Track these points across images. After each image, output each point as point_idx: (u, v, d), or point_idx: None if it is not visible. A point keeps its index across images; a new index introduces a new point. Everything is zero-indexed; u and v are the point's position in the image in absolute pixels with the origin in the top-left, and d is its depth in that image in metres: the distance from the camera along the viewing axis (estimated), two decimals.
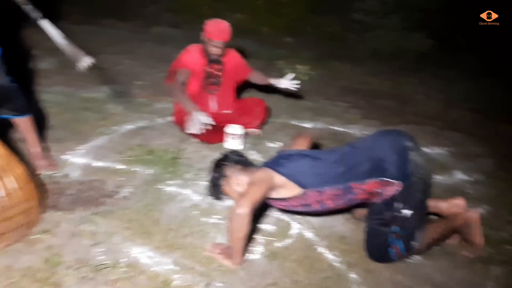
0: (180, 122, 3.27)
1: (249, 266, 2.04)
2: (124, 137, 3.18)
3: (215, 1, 7.56)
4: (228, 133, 3.16)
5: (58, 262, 1.92)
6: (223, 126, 3.23)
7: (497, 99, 5.21)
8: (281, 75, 3.61)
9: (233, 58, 3.44)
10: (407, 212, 1.99)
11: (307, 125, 3.81)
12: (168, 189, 2.60)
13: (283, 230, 2.32)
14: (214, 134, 3.17)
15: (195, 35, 6.56)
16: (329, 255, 2.16)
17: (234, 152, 2.34)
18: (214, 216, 2.38)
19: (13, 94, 2.44)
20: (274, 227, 2.35)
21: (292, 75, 3.49)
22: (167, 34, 6.54)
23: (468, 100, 5.05)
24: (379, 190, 1.99)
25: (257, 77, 3.56)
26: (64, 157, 2.81)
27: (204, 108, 3.25)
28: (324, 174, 2.05)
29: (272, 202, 2.19)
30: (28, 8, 2.15)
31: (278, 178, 2.07)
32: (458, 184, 3.04)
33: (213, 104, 3.41)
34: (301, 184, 2.05)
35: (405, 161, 1.99)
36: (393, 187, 1.97)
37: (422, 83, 5.51)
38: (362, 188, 2.00)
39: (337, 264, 2.10)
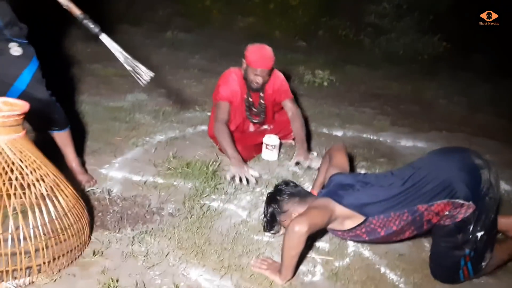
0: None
1: (314, 287, 1.97)
2: (158, 148, 3.10)
3: (226, 5, 7.49)
4: (265, 144, 3.08)
5: (116, 286, 1.84)
6: (260, 143, 3.13)
7: None
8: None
9: (275, 80, 3.10)
10: (479, 234, 1.92)
11: (338, 133, 3.75)
12: (213, 204, 2.53)
13: (339, 248, 2.25)
14: (249, 152, 3.09)
15: (207, 40, 6.60)
16: (392, 275, 2.09)
17: (287, 183, 2.26)
18: (266, 234, 2.30)
19: (53, 108, 2.37)
20: (328, 245, 2.28)
21: (314, 154, 3.14)
22: (180, 38, 6.47)
23: (490, 103, 5.00)
24: (449, 213, 1.90)
25: (294, 121, 3.09)
26: (101, 170, 2.73)
27: (244, 129, 3.19)
28: (388, 199, 1.97)
29: (336, 233, 2.13)
30: (89, 23, 2.07)
31: (340, 209, 2.00)
32: (503, 195, 2.97)
33: (252, 128, 3.31)
34: (365, 214, 1.98)
35: (477, 181, 1.90)
36: (465, 209, 1.88)
37: (441, 87, 5.46)
38: (430, 210, 1.91)
39: (402, 286, 2.03)
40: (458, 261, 1.97)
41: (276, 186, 2.26)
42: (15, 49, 2.11)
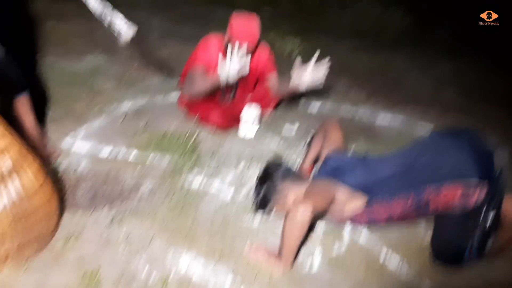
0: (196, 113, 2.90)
1: (314, 278, 1.82)
2: (127, 117, 2.80)
3: None
4: (244, 116, 2.84)
5: (98, 278, 1.61)
6: (239, 114, 2.89)
7: (481, 80, 5.23)
8: (289, 63, 3.22)
9: (262, 53, 2.90)
10: (491, 216, 1.83)
11: (315, 105, 3.58)
12: (196, 180, 2.30)
13: (334, 234, 2.09)
14: (229, 121, 2.86)
15: (166, 0, 6.15)
16: (391, 263, 1.97)
17: (279, 160, 2.11)
18: (257, 214, 2.11)
19: (9, 68, 2.02)
20: (323, 231, 2.12)
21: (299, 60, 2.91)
22: None
23: (455, 79, 5.00)
24: (462, 195, 1.77)
25: (276, 83, 2.97)
26: (64, 141, 2.42)
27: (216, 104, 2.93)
28: (393, 178, 1.84)
29: (335, 219, 1.98)
30: None
31: (343, 189, 1.85)
32: None
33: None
34: (369, 193, 1.84)
35: (491, 163, 1.79)
36: (479, 190, 1.76)
37: (409, 61, 5.42)
38: (439, 192, 1.79)
39: (405, 272, 1.92)
40: (466, 245, 1.88)
41: (268, 164, 2.08)
42: None
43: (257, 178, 2.08)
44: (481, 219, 1.81)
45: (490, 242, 1.91)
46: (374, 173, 1.91)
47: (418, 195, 1.80)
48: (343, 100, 3.75)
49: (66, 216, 1.88)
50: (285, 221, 1.74)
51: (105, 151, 2.41)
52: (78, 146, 2.39)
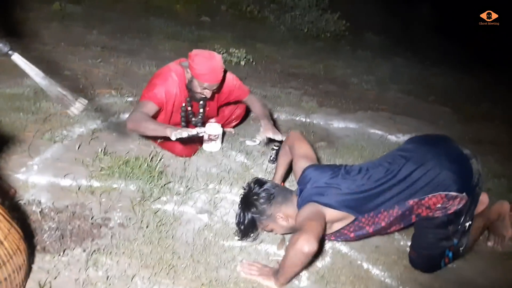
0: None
1: None
2: (82, 144, 2.63)
3: None
4: (208, 134, 2.76)
5: None
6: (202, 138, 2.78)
7: (415, 78, 5.51)
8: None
9: (228, 83, 2.69)
10: (468, 223, 1.90)
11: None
12: (167, 208, 2.21)
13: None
14: (193, 146, 2.76)
15: (100, 13, 5.90)
16: (375, 271, 2.01)
17: (261, 182, 2.03)
18: (236, 239, 2.05)
19: None
20: None
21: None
22: (70, 11, 5.67)
23: (394, 81, 5.25)
24: (442, 205, 1.82)
25: (255, 106, 2.81)
26: (17, 176, 2.22)
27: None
28: (378, 195, 1.86)
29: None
30: None
31: (331, 212, 1.85)
32: None
33: None
34: (357, 212, 1.85)
35: (469, 172, 1.85)
36: (459, 201, 1.81)
37: (349, 66, 5.60)
38: (421, 204, 1.83)
39: (388, 280, 1.96)
40: (444, 251, 1.95)
41: (249, 188, 2.02)
42: None
43: (240, 205, 2.02)
44: (459, 226, 1.88)
45: (464, 245, 1.99)
46: (358, 190, 1.90)
47: (402, 208, 1.83)
48: (297, 110, 3.78)
49: (36, 262, 1.72)
50: (289, 251, 1.70)
51: (64, 183, 2.25)
52: (34, 181, 2.21)
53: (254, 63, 4.94)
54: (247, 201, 1.97)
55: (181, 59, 2.64)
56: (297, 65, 5.30)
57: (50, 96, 1.73)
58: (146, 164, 2.48)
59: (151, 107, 2.47)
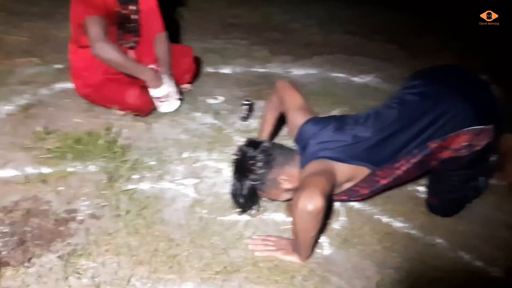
0: (100, 95, 2.35)
1: (332, 259, 1.56)
2: (13, 124, 2.14)
3: None
4: (157, 97, 2.35)
5: None
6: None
7: (355, 19, 5.33)
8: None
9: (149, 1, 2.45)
10: (494, 158, 1.71)
11: (226, 70, 3.22)
12: (142, 187, 1.83)
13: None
14: (149, 100, 2.36)
15: None
16: (397, 223, 1.78)
17: (255, 143, 1.70)
18: (233, 211, 1.74)
19: None
20: None
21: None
22: None
23: (337, 22, 5.03)
24: (468, 143, 1.57)
25: (160, 47, 2.50)
26: None
27: None
28: (392, 140, 1.60)
29: (334, 198, 1.72)
30: None
31: (342, 168, 1.59)
32: None
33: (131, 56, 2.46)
34: (371, 164, 1.60)
35: (490, 99, 1.62)
36: (486, 135, 1.57)
37: (285, 11, 5.29)
38: (443, 146, 1.59)
39: (414, 232, 1.75)
40: (468, 192, 1.77)
41: (243, 152, 1.69)
42: None
43: (234, 173, 1.69)
44: (485, 162, 1.70)
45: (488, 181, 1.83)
46: (370, 137, 1.64)
47: (422, 152, 1.60)
48: (250, 60, 3.45)
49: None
50: (294, 216, 1.42)
51: (6, 174, 1.79)
52: None
53: (190, 16, 4.49)
54: (243, 168, 1.65)
55: None
56: (234, 15, 4.89)
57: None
58: (102, 139, 2.06)
59: (99, 21, 2.18)
